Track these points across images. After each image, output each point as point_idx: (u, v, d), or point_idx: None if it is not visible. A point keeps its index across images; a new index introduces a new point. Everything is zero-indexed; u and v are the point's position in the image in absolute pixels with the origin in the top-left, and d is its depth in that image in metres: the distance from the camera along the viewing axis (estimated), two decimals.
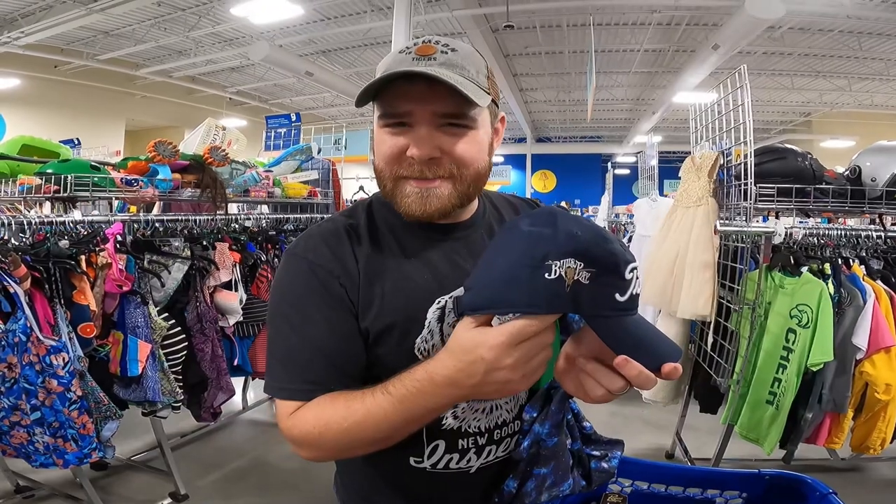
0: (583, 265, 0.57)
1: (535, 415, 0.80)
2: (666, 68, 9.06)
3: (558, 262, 0.57)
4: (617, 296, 0.58)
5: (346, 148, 4.64)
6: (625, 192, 10.73)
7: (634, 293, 0.59)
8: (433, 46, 0.72)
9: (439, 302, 0.76)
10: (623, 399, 0.64)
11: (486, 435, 0.80)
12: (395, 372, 0.73)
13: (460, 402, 0.65)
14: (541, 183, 16.90)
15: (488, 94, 0.73)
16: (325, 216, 3.07)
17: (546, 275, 0.57)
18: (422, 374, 0.64)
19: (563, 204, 12.92)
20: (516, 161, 15.46)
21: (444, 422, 0.77)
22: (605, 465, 0.86)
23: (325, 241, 0.77)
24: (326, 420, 0.68)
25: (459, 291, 0.77)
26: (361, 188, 5.16)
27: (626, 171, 11.93)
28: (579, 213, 12.99)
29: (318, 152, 3.85)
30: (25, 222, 1.89)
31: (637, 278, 0.60)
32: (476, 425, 0.79)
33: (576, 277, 0.57)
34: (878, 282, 2.14)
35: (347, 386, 0.73)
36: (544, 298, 0.57)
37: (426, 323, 0.75)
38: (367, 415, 0.66)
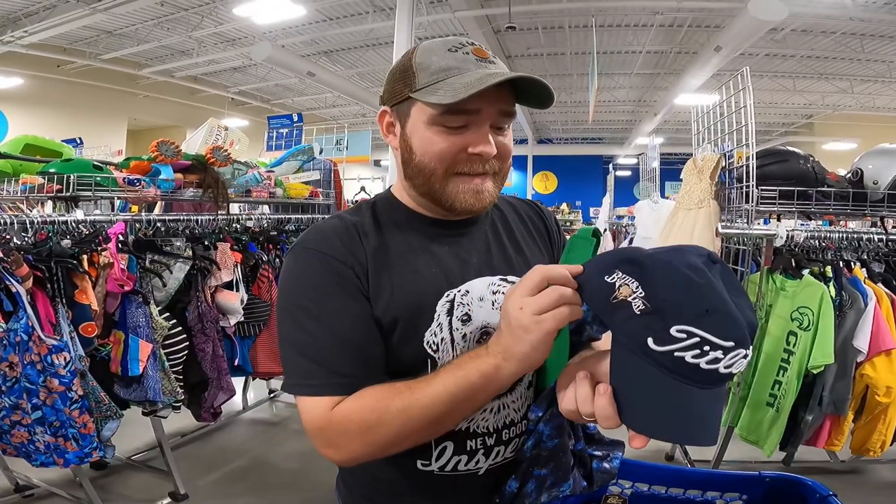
0: (643, 295, 0.57)
1: (540, 414, 0.80)
2: (668, 70, 9.06)
3: (621, 275, 0.59)
4: (650, 341, 0.56)
5: (347, 149, 4.64)
6: (626, 193, 10.73)
7: (678, 356, 0.55)
8: (485, 50, 0.75)
9: (448, 295, 0.77)
10: None
11: (495, 435, 0.80)
12: (407, 366, 0.75)
13: (507, 370, 0.64)
14: (542, 184, 16.90)
15: None
16: (327, 216, 3.07)
17: (605, 276, 0.60)
18: (480, 345, 0.68)
19: (563, 206, 12.93)
20: (517, 162, 15.46)
21: None
22: (606, 465, 0.86)
23: (336, 234, 0.77)
24: (386, 404, 0.67)
25: (467, 286, 0.78)
26: (363, 189, 5.17)
27: (628, 173, 11.94)
28: (579, 215, 13.00)
29: (320, 153, 3.85)
30: (28, 221, 1.89)
31: (698, 349, 0.55)
32: (484, 425, 0.79)
33: (629, 299, 0.57)
34: (880, 285, 2.14)
35: (377, 377, 0.72)
36: (591, 294, 0.62)
37: (435, 316, 0.76)
38: (428, 389, 0.66)
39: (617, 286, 0.59)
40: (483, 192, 0.77)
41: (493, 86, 0.69)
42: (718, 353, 0.55)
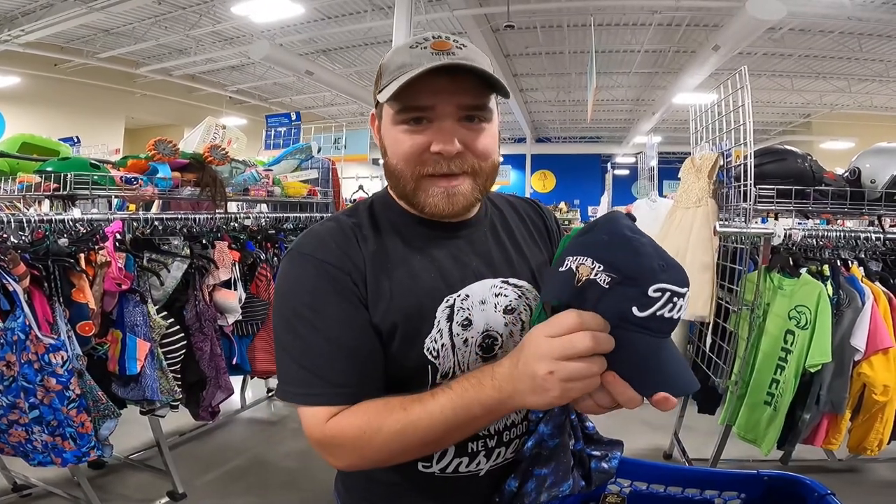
0: (602, 268, 0.60)
1: (540, 415, 0.80)
2: (666, 69, 9.06)
3: (573, 258, 0.63)
4: (634, 309, 0.58)
5: (345, 147, 4.65)
6: (624, 192, 10.72)
7: (659, 314, 0.58)
8: (448, 42, 0.71)
9: (448, 300, 0.76)
10: None
11: (496, 437, 0.80)
12: (407, 372, 0.74)
13: (511, 405, 0.63)
14: (540, 183, 16.90)
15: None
16: (325, 215, 3.07)
17: (559, 268, 0.64)
18: (486, 368, 0.66)
19: (561, 205, 12.94)
20: (516, 161, 15.46)
21: None
22: (605, 465, 0.86)
23: (332, 238, 0.75)
24: (380, 423, 0.66)
25: (467, 290, 0.77)
26: (361, 187, 5.17)
27: (626, 172, 11.93)
28: (578, 214, 13.00)
29: (318, 151, 3.86)
30: (25, 220, 1.88)
31: (670, 302, 0.59)
32: (485, 427, 0.78)
33: (591, 276, 0.60)
34: (877, 283, 2.15)
35: (374, 386, 0.71)
36: (556, 287, 0.64)
37: (435, 322, 0.75)
38: (424, 414, 0.65)
39: (575, 268, 0.62)
40: (455, 195, 0.73)
41: (452, 78, 0.68)
42: (681, 301, 0.60)
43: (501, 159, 0.82)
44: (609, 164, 5.16)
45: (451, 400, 0.64)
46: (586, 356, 0.57)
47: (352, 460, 0.69)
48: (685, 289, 0.60)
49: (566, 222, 10.83)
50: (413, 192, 0.75)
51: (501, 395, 0.62)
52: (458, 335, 0.76)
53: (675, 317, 0.60)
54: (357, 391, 0.70)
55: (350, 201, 4.27)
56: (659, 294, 0.58)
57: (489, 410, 0.64)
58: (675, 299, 0.59)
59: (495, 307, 0.78)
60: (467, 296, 0.77)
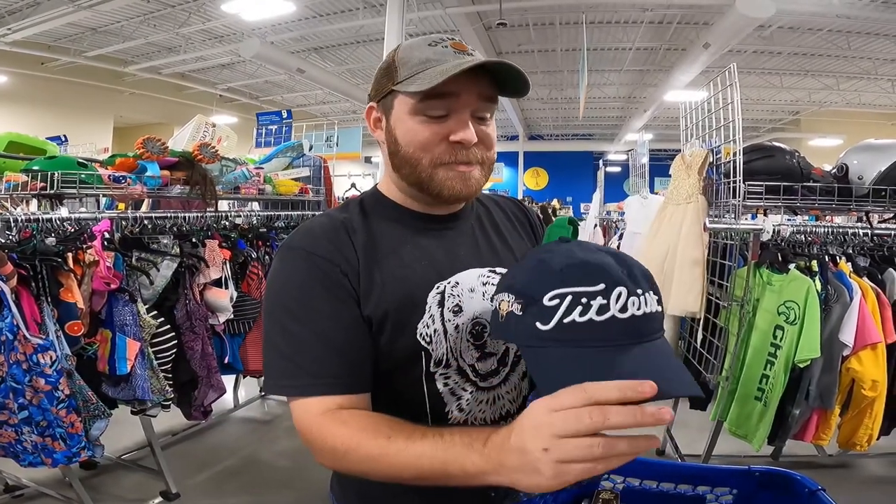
0: (514, 297, 0.60)
1: None
2: (657, 67, 9.11)
3: (497, 296, 0.64)
4: (538, 324, 0.57)
5: (337, 145, 4.63)
6: (616, 189, 10.77)
7: (568, 321, 0.55)
8: (463, 44, 0.75)
9: (438, 287, 0.77)
10: None
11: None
12: (400, 361, 0.75)
13: (495, 480, 0.56)
14: (533, 180, 16.94)
15: None
16: (317, 213, 3.06)
17: (490, 306, 0.66)
18: (486, 430, 0.59)
19: (554, 202, 12.97)
20: (508, 158, 15.50)
21: (449, 416, 0.78)
22: None
23: (324, 232, 0.77)
24: (359, 441, 0.65)
25: (456, 277, 0.79)
26: (353, 185, 5.15)
27: (618, 169, 11.99)
28: (570, 211, 13.02)
29: (310, 149, 3.84)
30: (11, 219, 1.87)
31: (578, 304, 0.55)
32: (481, 417, 0.80)
33: (510, 309, 0.60)
34: (865, 279, 2.16)
35: (360, 376, 0.72)
36: (492, 326, 0.66)
37: (426, 308, 0.76)
38: (403, 451, 0.62)
39: (497, 305, 0.63)
40: (470, 178, 0.76)
41: (470, 75, 0.70)
42: (600, 300, 0.55)
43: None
44: (601, 162, 5.18)
45: (433, 449, 0.60)
46: (590, 434, 0.49)
47: (327, 463, 0.70)
48: (600, 285, 0.55)
49: None
50: (429, 178, 0.76)
51: (487, 465, 0.56)
52: (449, 321, 0.77)
53: (597, 319, 0.55)
54: (343, 382, 0.71)
55: (342, 199, 4.26)
56: (556, 301, 0.56)
57: (469, 476, 0.57)
58: (585, 300, 0.55)
59: (483, 295, 0.80)
60: (457, 283, 0.79)
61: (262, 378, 3.48)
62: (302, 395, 0.70)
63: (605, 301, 0.55)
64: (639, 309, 0.56)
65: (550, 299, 0.56)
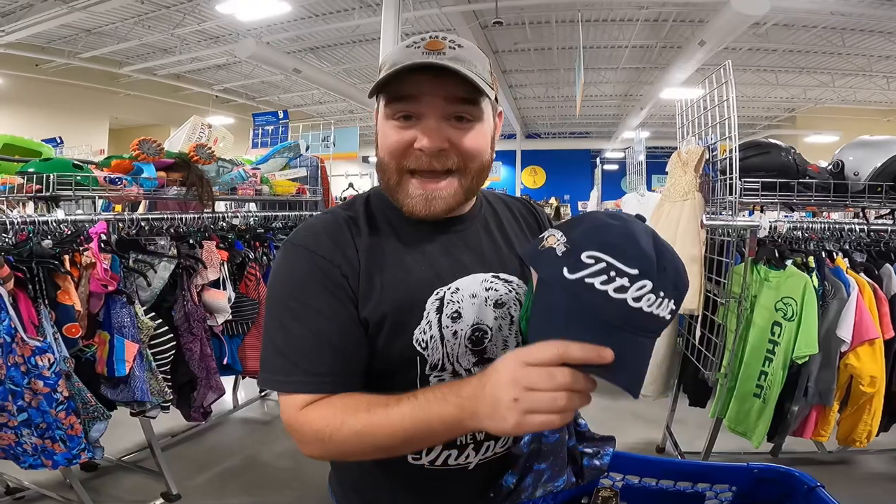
0: (564, 240, 0.64)
1: None
2: (653, 64, 9.11)
3: (551, 230, 0.68)
4: (565, 270, 0.60)
5: (334, 145, 4.63)
6: (614, 187, 10.79)
7: (589, 282, 0.59)
8: (442, 42, 0.72)
9: (438, 293, 0.77)
10: (614, 393, 0.63)
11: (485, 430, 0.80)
12: (396, 364, 0.75)
13: (471, 426, 0.62)
14: (530, 179, 16.94)
15: (492, 88, 0.74)
16: (315, 213, 3.06)
17: (537, 239, 0.70)
18: (455, 383, 0.64)
19: (552, 200, 12.99)
20: (506, 157, 15.50)
21: None
22: (597, 462, 0.87)
23: (326, 231, 0.77)
24: (343, 420, 0.67)
25: (457, 283, 0.78)
26: (351, 185, 5.15)
27: (615, 167, 12.01)
28: (568, 209, 13.03)
29: (307, 149, 3.83)
30: (8, 222, 1.86)
31: (605, 274, 0.58)
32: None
33: (554, 246, 0.64)
34: (862, 274, 2.17)
35: (354, 379, 0.73)
36: (527, 249, 0.71)
37: (425, 314, 0.76)
38: (385, 419, 0.64)
39: (545, 237, 0.67)
40: (434, 199, 0.74)
41: (437, 75, 0.69)
42: (624, 281, 0.58)
43: (493, 157, 0.82)
44: (598, 160, 5.20)
45: (412, 410, 0.63)
46: (558, 391, 0.55)
47: (316, 451, 0.70)
48: (634, 270, 0.58)
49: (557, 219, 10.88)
50: (396, 187, 0.76)
51: (462, 413, 0.61)
52: (447, 327, 0.77)
53: (612, 295, 0.58)
54: (335, 381, 0.71)
55: (340, 199, 4.25)
56: (591, 261, 0.59)
57: (449, 427, 0.63)
58: (613, 274, 0.58)
59: (486, 301, 0.79)
60: (458, 289, 0.78)
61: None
62: (294, 392, 0.71)
63: (628, 284, 0.59)
64: (649, 307, 0.59)
65: (588, 257, 0.60)
